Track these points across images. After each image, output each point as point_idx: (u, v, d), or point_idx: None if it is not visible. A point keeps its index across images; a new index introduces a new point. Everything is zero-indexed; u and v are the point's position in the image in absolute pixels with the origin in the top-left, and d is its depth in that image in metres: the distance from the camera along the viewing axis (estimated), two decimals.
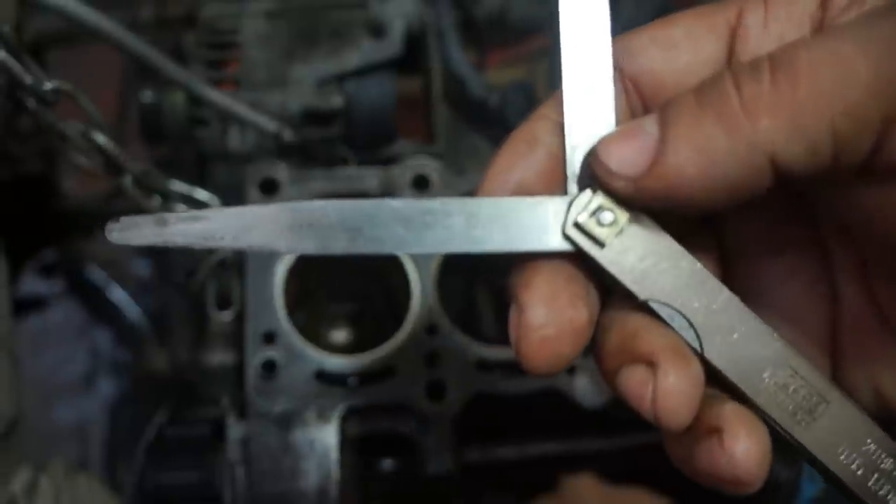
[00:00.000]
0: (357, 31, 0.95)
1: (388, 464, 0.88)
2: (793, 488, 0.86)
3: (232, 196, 0.88)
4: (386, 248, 0.38)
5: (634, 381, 0.37)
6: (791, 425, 0.39)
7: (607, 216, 0.38)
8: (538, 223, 0.39)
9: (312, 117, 0.92)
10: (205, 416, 0.84)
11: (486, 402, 0.82)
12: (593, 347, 0.40)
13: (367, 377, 0.82)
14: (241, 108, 0.88)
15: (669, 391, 0.36)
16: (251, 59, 0.94)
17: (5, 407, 0.68)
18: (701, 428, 0.37)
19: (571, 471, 0.91)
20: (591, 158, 0.38)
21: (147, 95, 0.91)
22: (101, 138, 0.74)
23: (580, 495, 0.90)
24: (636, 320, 0.39)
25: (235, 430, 0.81)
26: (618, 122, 0.40)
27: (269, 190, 0.86)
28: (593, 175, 0.38)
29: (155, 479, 0.82)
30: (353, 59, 0.94)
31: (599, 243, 0.39)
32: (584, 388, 0.82)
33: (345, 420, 0.82)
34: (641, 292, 0.39)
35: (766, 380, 0.39)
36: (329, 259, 0.86)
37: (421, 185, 0.87)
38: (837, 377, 0.42)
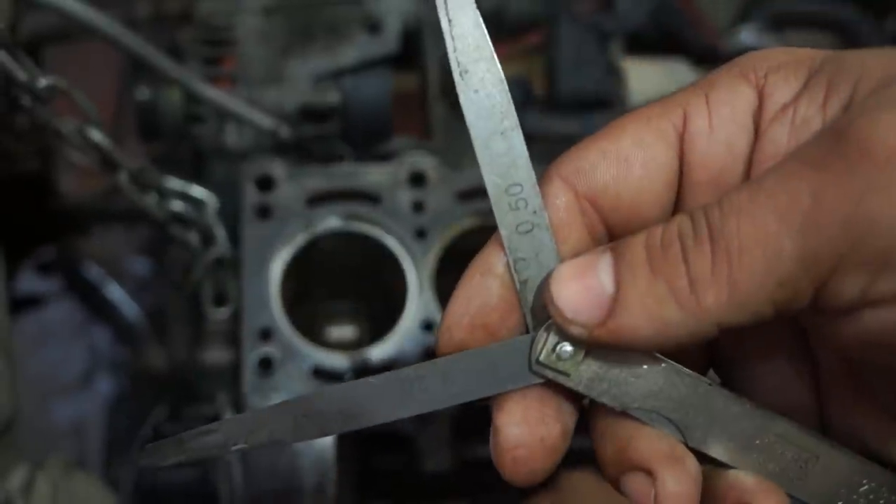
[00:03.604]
0: (353, 27, 0.95)
1: (385, 461, 0.88)
2: None
3: (228, 192, 0.88)
4: (376, 420, 0.41)
5: (637, 490, 0.40)
6: (785, 483, 0.41)
7: (567, 349, 0.40)
8: (505, 367, 0.41)
9: (309, 114, 0.92)
10: (202, 414, 0.84)
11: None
12: (595, 454, 0.42)
13: (364, 374, 0.82)
14: (237, 105, 0.88)
15: (670, 495, 0.39)
16: (247, 55, 0.94)
17: (3, 405, 0.68)
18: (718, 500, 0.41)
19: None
20: (546, 299, 0.39)
21: (143, 92, 0.91)
22: (96, 135, 0.74)
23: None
24: (625, 427, 0.41)
25: None
26: (564, 250, 0.41)
27: (266, 186, 0.86)
28: (549, 315, 0.40)
29: (152, 477, 0.82)
30: (349, 55, 0.94)
31: (565, 374, 0.40)
32: None
33: None
34: (616, 404, 0.41)
35: (754, 450, 0.41)
36: (325, 257, 0.86)
37: (417, 182, 0.87)
38: (828, 436, 0.44)
